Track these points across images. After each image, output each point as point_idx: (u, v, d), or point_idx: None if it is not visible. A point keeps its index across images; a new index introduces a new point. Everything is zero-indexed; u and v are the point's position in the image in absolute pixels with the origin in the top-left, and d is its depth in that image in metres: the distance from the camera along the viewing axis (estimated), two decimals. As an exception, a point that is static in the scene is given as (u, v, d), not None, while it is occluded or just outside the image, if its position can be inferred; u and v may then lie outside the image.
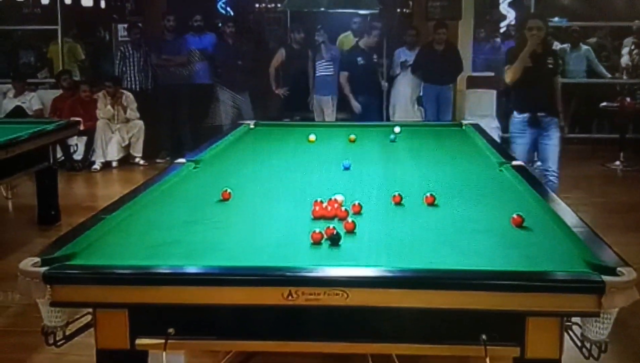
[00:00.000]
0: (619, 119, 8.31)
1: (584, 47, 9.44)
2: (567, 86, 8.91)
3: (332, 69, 7.88)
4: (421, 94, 8.15)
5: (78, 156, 7.99)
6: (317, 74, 7.92)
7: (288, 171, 3.31)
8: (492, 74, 9.30)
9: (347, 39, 8.26)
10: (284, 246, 2.14)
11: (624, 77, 9.22)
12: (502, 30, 10.37)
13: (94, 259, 1.99)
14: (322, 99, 7.96)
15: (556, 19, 10.30)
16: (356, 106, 7.74)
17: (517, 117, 5.09)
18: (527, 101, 5.05)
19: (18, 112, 8.12)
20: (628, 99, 8.19)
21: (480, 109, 8.54)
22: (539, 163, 5.22)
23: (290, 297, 1.78)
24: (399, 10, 10.52)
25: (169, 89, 8.28)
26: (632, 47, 9.08)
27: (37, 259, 1.90)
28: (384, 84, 8.18)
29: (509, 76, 5.00)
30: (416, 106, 8.06)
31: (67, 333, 1.92)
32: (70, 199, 6.37)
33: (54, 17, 9.53)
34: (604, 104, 8.33)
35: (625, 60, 9.22)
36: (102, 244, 2.14)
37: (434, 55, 7.84)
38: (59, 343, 1.91)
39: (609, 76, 9.37)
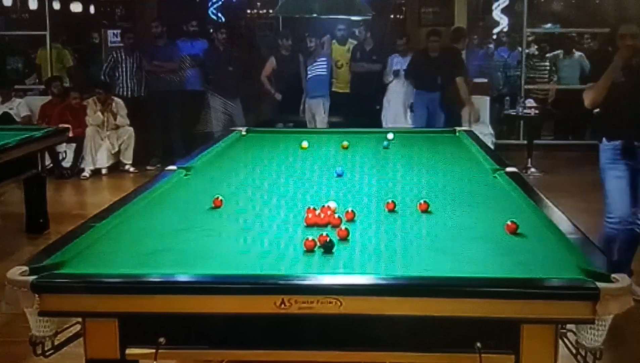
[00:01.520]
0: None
1: (577, 53, 9.48)
2: (560, 92, 8.97)
3: (325, 68, 7.87)
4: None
5: (67, 164, 7.94)
6: (310, 75, 7.89)
7: (280, 178, 3.29)
8: (486, 80, 9.34)
9: (334, 46, 8.25)
10: (277, 254, 2.12)
11: None
12: (495, 37, 10.43)
13: (83, 267, 1.96)
14: (312, 103, 7.93)
15: (549, 25, 10.37)
16: (477, 113, 7.50)
17: (607, 145, 4.05)
18: (617, 127, 4.04)
19: (5, 118, 8.06)
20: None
21: (474, 115, 8.55)
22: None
23: (283, 305, 1.76)
24: (391, 16, 10.55)
25: (160, 96, 8.25)
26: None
27: (25, 268, 1.87)
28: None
29: (589, 96, 4.02)
30: (409, 113, 8.05)
31: (56, 343, 1.90)
32: (59, 207, 6.32)
33: (43, 23, 9.49)
34: (597, 110, 8.32)
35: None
36: (91, 252, 2.11)
37: (428, 61, 7.77)
38: (47, 354, 1.89)
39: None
